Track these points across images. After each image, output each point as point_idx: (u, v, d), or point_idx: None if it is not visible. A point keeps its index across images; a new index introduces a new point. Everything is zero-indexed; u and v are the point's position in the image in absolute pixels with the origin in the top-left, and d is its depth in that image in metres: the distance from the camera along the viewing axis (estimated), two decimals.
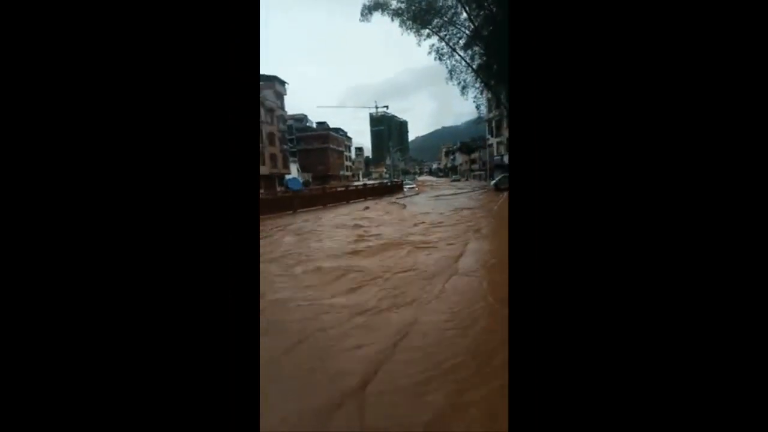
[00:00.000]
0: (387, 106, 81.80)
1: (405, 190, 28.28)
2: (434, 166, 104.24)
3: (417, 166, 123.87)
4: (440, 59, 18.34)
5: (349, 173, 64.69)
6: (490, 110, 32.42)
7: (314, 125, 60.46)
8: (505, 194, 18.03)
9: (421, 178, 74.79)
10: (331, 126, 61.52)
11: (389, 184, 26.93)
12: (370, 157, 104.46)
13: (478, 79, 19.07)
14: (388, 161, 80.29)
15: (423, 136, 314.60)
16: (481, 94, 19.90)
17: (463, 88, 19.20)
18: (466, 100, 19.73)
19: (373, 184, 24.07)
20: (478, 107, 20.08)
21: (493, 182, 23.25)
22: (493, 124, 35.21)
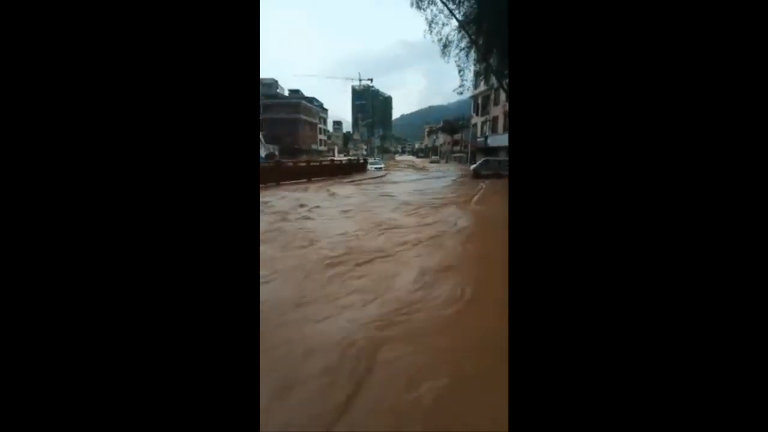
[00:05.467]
0: (371, 80, 75.66)
1: (371, 169, 24.07)
2: (416, 145, 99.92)
3: (398, 145, 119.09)
4: (419, 6, 14.06)
5: (323, 148, 59.35)
6: (477, 85, 28.34)
7: (286, 92, 54.64)
8: (485, 183, 14.20)
9: (400, 158, 70.57)
10: (307, 95, 55.69)
11: (346, 162, 22.44)
12: (351, 132, 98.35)
13: (464, 37, 14.89)
14: (356, 136, 74.84)
15: (409, 114, 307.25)
16: (467, 56, 15.66)
17: (445, 46, 15.01)
18: (447, 62, 15.43)
19: (320, 162, 19.31)
20: (461, 71, 15.78)
21: (472, 167, 19.38)
22: (479, 101, 31.11)
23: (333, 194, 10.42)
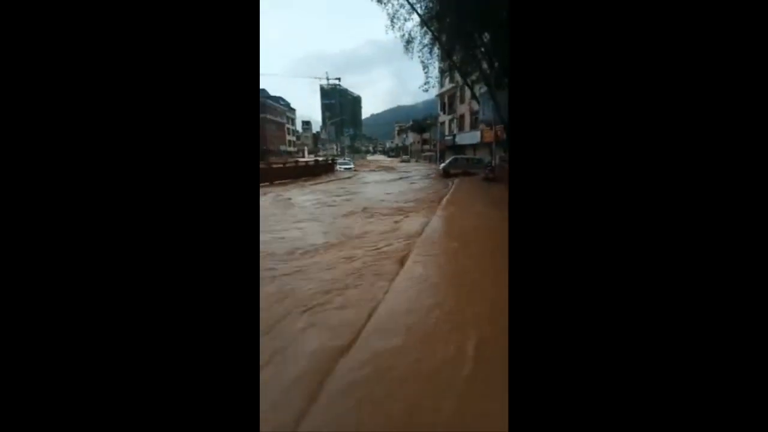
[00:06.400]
0: (339, 79, 74.42)
1: (339, 170, 23.43)
2: (387, 144, 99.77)
3: (369, 145, 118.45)
4: (379, 0, 13.58)
5: (292, 149, 57.56)
6: (442, 83, 28.34)
7: None
8: (454, 182, 14.01)
9: (371, 157, 70.05)
10: (273, 94, 53.73)
11: (313, 163, 21.61)
12: (320, 132, 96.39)
13: (427, 32, 14.62)
14: (323, 135, 73.63)
15: (378, 114, 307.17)
16: (430, 52, 15.39)
17: (408, 42, 14.68)
18: (411, 58, 15.10)
19: (284, 164, 18.16)
20: (425, 68, 15.48)
21: (442, 166, 19.22)
22: (446, 99, 31.21)
23: (290, 203, 9.74)
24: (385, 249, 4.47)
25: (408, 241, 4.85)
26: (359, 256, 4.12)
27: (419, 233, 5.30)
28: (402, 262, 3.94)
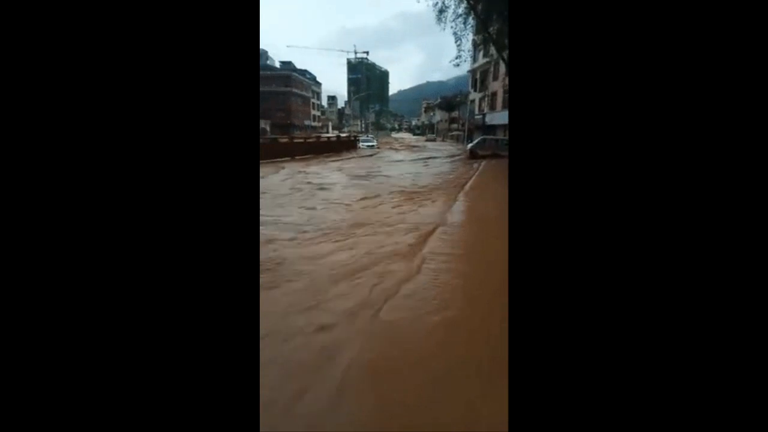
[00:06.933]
0: (367, 52, 72.36)
1: (361, 147, 22.94)
2: (414, 122, 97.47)
3: (395, 121, 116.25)
4: None
5: (317, 123, 57.18)
6: (476, 57, 26.69)
7: (277, 64, 52.13)
8: (481, 165, 13.27)
9: (397, 135, 68.64)
10: (299, 67, 53.01)
11: (335, 140, 21.18)
12: (345, 107, 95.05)
13: (461, 1, 13.52)
14: (348, 110, 72.69)
15: (406, 90, 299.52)
16: (464, 23, 14.30)
17: (440, 11, 13.67)
18: (443, 29, 14.08)
19: (305, 139, 18.03)
20: (458, 40, 14.44)
21: (469, 146, 18.34)
22: (478, 76, 29.52)
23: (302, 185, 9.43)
24: (393, 246, 4.09)
25: (427, 229, 4.46)
26: (356, 255, 3.61)
27: (438, 224, 4.86)
28: (421, 261, 3.56)
